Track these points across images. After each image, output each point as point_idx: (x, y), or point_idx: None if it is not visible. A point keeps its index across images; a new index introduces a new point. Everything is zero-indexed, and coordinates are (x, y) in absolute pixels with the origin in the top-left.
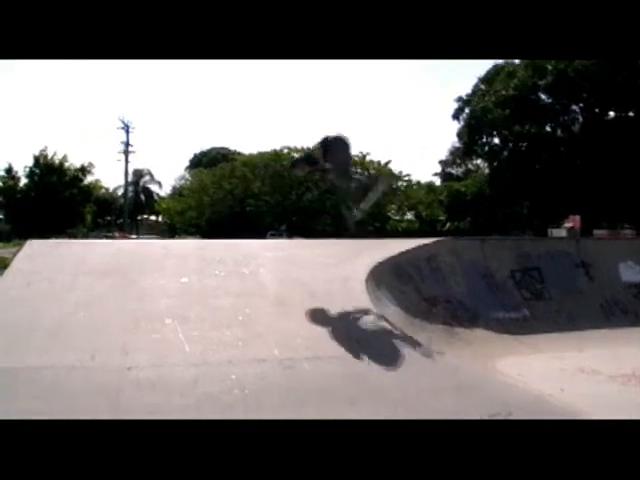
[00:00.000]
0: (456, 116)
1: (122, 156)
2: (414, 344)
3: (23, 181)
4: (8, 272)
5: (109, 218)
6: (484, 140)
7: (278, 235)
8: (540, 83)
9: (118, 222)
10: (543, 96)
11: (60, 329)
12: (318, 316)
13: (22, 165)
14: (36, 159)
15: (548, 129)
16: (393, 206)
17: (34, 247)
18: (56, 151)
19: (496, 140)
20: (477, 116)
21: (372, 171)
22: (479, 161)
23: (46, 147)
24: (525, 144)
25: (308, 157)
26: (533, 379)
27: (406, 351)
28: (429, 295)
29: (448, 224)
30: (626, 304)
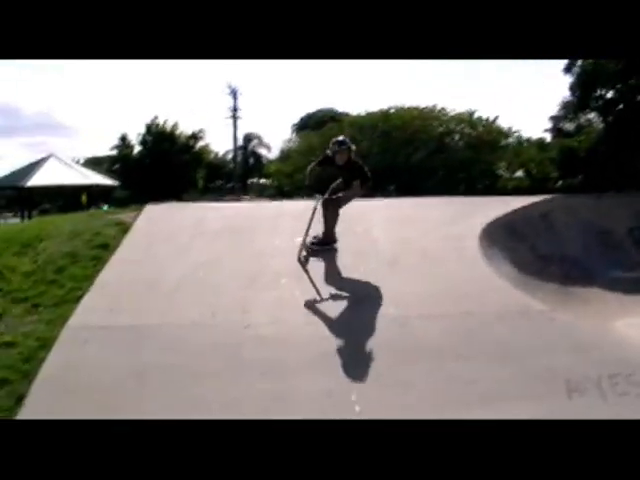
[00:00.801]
0: (568, 69)
1: (230, 121)
2: (528, 302)
3: (137, 149)
4: (129, 235)
5: (220, 182)
6: (598, 94)
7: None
8: None
9: (228, 186)
10: None
11: (181, 288)
12: (431, 274)
13: (135, 133)
14: (148, 127)
15: None
16: (503, 164)
17: (153, 211)
18: (167, 119)
19: (610, 94)
20: (589, 69)
21: (480, 129)
22: (592, 115)
23: (157, 116)
24: None
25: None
26: None
27: (519, 309)
28: (543, 253)
29: (560, 181)
30: None
